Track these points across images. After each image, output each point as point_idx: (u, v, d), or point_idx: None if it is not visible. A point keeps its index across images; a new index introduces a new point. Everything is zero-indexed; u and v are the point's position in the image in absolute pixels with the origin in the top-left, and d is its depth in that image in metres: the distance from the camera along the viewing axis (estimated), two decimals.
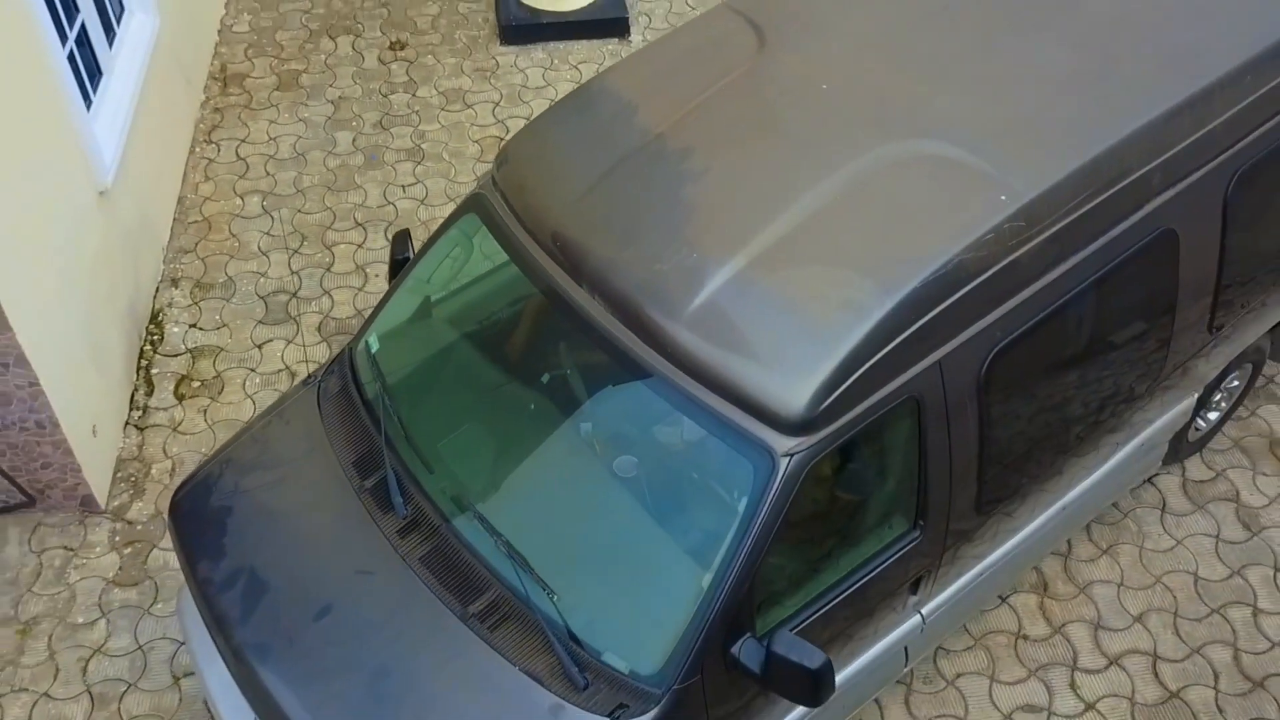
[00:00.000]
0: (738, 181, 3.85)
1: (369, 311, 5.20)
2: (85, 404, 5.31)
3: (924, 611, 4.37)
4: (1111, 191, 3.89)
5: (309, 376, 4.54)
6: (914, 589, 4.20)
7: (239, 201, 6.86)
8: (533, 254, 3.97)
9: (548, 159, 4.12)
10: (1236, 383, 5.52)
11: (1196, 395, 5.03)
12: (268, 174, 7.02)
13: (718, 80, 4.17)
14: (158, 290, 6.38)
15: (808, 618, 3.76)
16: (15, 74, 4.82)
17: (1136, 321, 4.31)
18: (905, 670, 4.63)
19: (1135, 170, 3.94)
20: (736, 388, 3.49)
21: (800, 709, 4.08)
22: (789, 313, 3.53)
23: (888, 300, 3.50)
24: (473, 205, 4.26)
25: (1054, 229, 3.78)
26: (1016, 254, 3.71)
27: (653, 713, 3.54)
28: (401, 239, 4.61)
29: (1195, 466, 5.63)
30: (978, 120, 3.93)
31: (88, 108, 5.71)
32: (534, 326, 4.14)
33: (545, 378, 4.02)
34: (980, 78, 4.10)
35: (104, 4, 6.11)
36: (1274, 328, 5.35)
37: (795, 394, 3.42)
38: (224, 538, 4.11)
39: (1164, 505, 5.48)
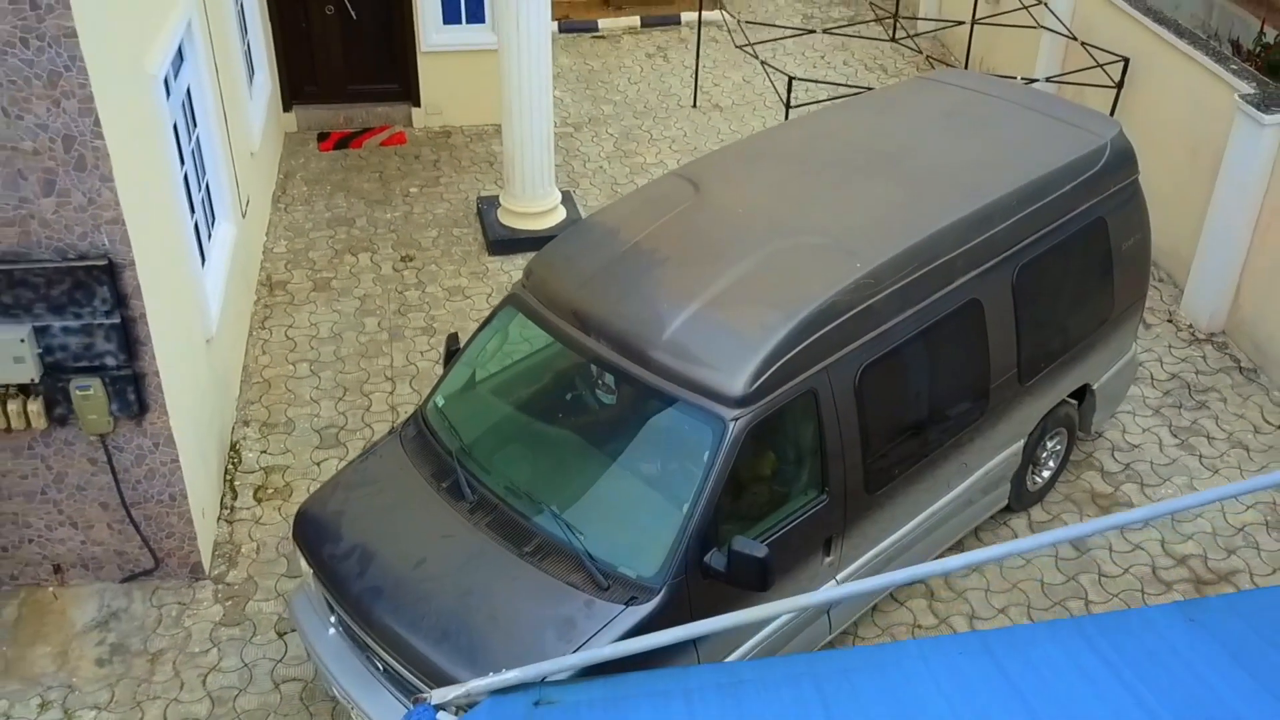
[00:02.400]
0: (688, 264, 5.91)
1: None
2: (199, 491, 6.97)
3: (839, 579, 6.11)
4: (930, 267, 6.01)
5: (390, 431, 6.35)
6: (827, 549, 5.95)
7: (291, 367, 8.73)
8: (555, 322, 5.95)
9: (560, 265, 6.15)
10: (1058, 446, 7.49)
11: (1023, 441, 7.00)
12: (312, 348, 8.92)
13: (671, 210, 6.31)
14: (234, 428, 8.13)
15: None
16: (171, 239, 6.78)
17: (963, 360, 6.34)
18: (829, 637, 6.29)
19: (943, 255, 6.09)
20: (697, 383, 5.41)
21: (748, 645, 5.75)
22: (726, 334, 5.51)
23: (789, 322, 5.50)
24: (510, 301, 6.25)
25: (894, 287, 5.86)
26: (870, 301, 5.76)
27: (654, 601, 5.22)
28: (453, 337, 6.54)
29: (1037, 512, 7.53)
30: (840, 225, 6.10)
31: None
32: (557, 367, 6.10)
33: (568, 396, 5.91)
34: (839, 202, 6.32)
35: (207, 207, 8.16)
36: (1080, 406, 7.41)
37: (735, 382, 5.35)
38: (339, 530, 5.78)
39: (1015, 536, 7.33)
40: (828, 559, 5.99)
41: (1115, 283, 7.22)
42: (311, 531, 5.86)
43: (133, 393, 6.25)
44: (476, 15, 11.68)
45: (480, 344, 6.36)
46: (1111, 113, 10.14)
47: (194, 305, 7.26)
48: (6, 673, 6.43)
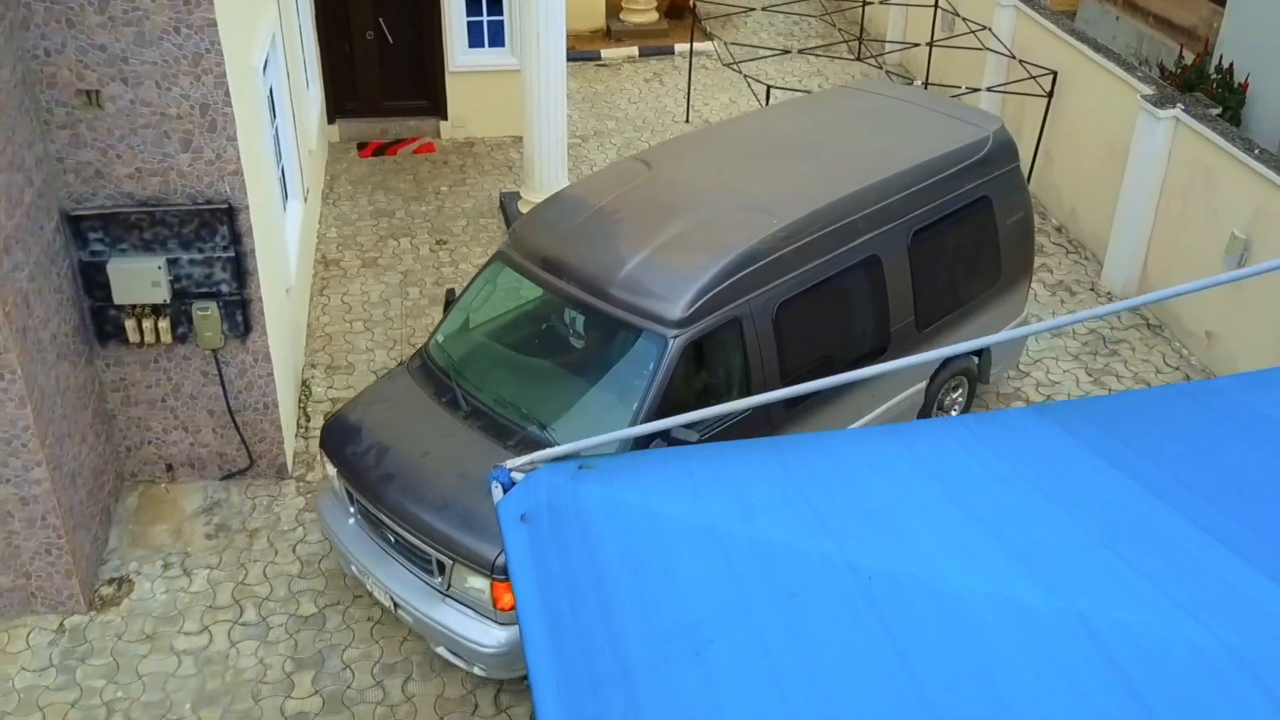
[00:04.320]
0: (640, 223, 7.29)
1: None
2: (286, 406, 8.55)
3: None
4: (834, 226, 7.43)
5: (398, 365, 7.83)
6: None
7: (348, 325, 10.34)
8: (534, 270, 7.36)
9: (539, 225, 7.57)
10: (960, 396, 9.00)
11: (925, 384, 8.41)
12: (365, 310, 10.54)
13: (629, 184, 7.75)
14: (303, 369, 9.72)
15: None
16: (268, 197, 8.40)
17: (866, 304, 7.77)
18: None
19: (846, 217, 7.50)
20: (645, 310, 6.80)
21: None
22: (668, 273, 6.88)
23: (718, 263, 6.88)
24: (498, 256, 7.67)
25: (804, 240, 7.26)
26: (785, 250, 7.16)
27: None
28: (451, 291, 7.89)
29: None
30: (762, 193, 7.52)
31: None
32: (535, 307, 7.59)
33: (543, 328, 7.45)
34: (764, 178, 7.74)
35: (283, 185, 9.80)
36: (979, 356, 8.93)
37: (674, 309, 6.73)
38: (360, 435, 7.09)
39: None
40: None
41: (1001, 252, 8.60)
42: (336, 438, 7.19)
43: (240, 315, 7.85)
44: (497, 40, 13.44)
45: (473, 292, 7.77)
46: (1044, 118, 11.88)
47: (280, 257, 8.88)
48: (134, 543, 7.97)
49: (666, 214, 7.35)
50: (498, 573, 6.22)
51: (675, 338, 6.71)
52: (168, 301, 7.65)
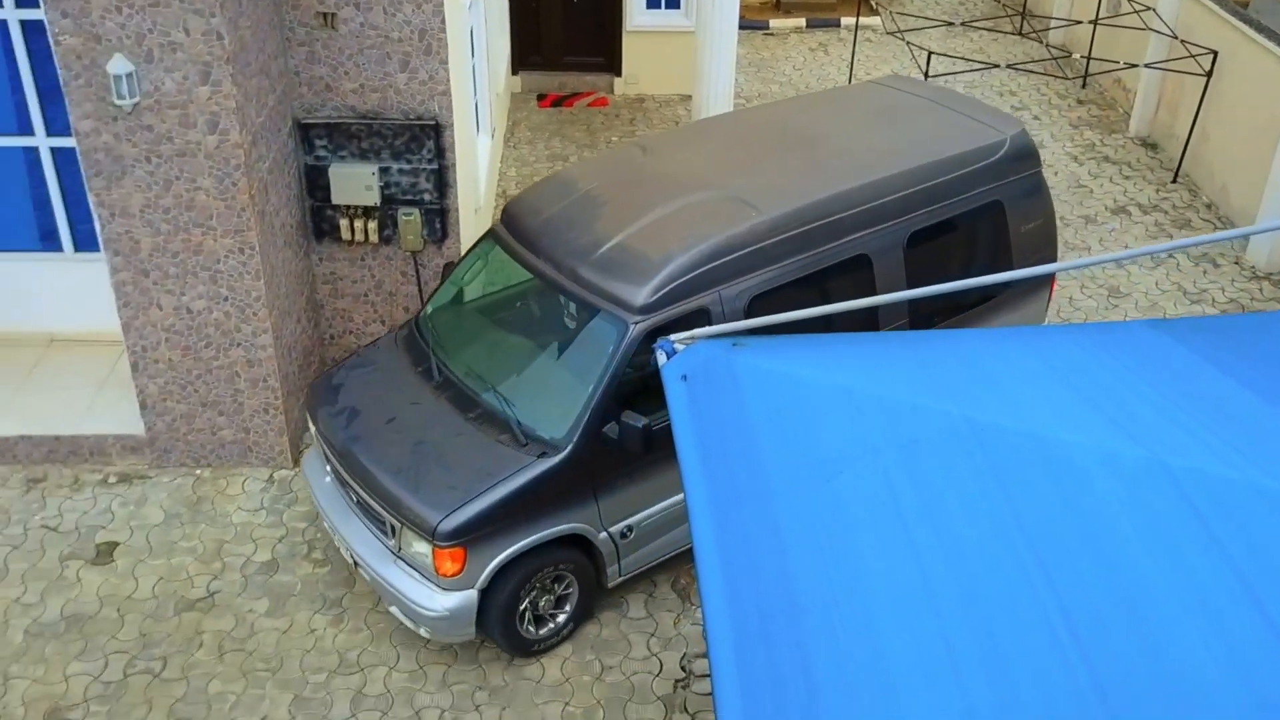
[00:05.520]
0: (621, 209, 7.27)
1: None
2: None
3: None
4: (819, 223, 7.25)
5: (388, 331, 8.31)
6: None
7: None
8: (518, 249, 7.38)
9: (527, 207, 7.58)
10: None
11: None
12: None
13: (619, 170, 7.77)
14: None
15: (656, 425, 6.46)
16: (468, 120, 9.40)
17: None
18: None
19: (833, 215, 7.31)
20: (611, 294, 6.76)
21: (653, 509, 7.10)
22: (637, 260, 6.83)
23: (686, 253, 6.81)
24: (489, 234, 7.74)
25: (785, 235, 7.10)
26: (763, 244, 7.02)
27: (559, 457, 6.57)
28: (449, 265, 7.95)
29: None
30: (749, 186, 7.41)
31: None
32: (516, 285, 7.56)
33: (519, 305, 7.49)
34: (755, 170, 7.63)
35: (477, 118, 10.82)
36: None
37: (637, 295, 6.69)
38: (337, 397, 7.32)
39: None
40: None
41: (1014, 260, 8.24)
42: (317, 399, 7.41)
43: (439, 222, 8.86)
44: (674, 3, 14.28)
45: (464, 268, 7.85)
46: (1202, 96, 12.15)
47: (473, 177, 9.89)
48: None
49: (649, 201, 7.34)
50: (439, 539, 6.37)
51: (636, 324, 6.67)
52: (377, 205, 8.70)
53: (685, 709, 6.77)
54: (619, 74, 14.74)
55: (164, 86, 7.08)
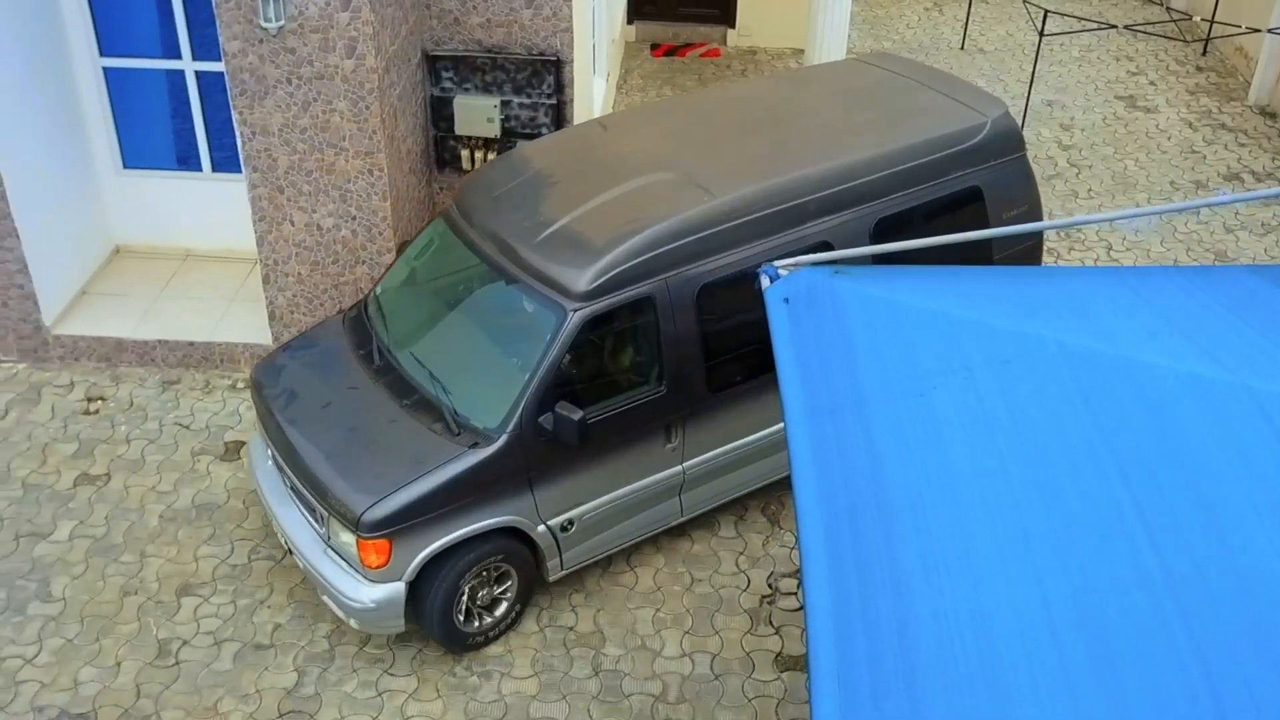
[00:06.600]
0: (571, 190, 7.00)
1: None
2: None
3: (684, 466, 7.05)
4: (779, 208, 6.92)
5: (337, 313, 7.92)
6: (668, 435, 6.87)
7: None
8: (465, 230, 7.12)
9: (478, 187, 7.31)
10: None
11: None
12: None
13: (576, 148, 7.47)
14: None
15: (595, 417, 6.49)
16: (587, 59, 9.71)
17: None
18: (680, 519, 7.29)
19: (794, 200, 6.96)
20: (551, 279, 6.53)
21: (591, 504, 6.85)
22: (580, 244, 6.59)
23: (631, 239, 6.54)
24: (441, 217, 7.45)
25: (739, 220, 6.80)
26: (715, 229, 6.74)
27: (493, 447, 6.36)
28: (405, 243, 7.69)
29: None
30: (705, 167, 7.10)
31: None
32: (458, 264, 7.21)
33: (460, 289, 7.11)
34: (715, 151, 7.31)
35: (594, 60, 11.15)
36: None
37: (578, 281, 6.44)
38: (279, 379, 7.16)
39: None
40: (669, 444, 6.94)
41: (992, 249, 7.77)
42: (260, 380, 7.23)
43: None
44: None
45: (415, 248, 7.59)
46: None
47: (589, 115, 10.22)
48: None
49: (600, 183, 7.07)
50: (363, 530, 6.20)
51: (576, 311, 6.45)
52: (498, 137, 9.08)
53: (770, 622, 7.08)
54: (732, 25, 14.91)
55: (307, 11, 7.51)
